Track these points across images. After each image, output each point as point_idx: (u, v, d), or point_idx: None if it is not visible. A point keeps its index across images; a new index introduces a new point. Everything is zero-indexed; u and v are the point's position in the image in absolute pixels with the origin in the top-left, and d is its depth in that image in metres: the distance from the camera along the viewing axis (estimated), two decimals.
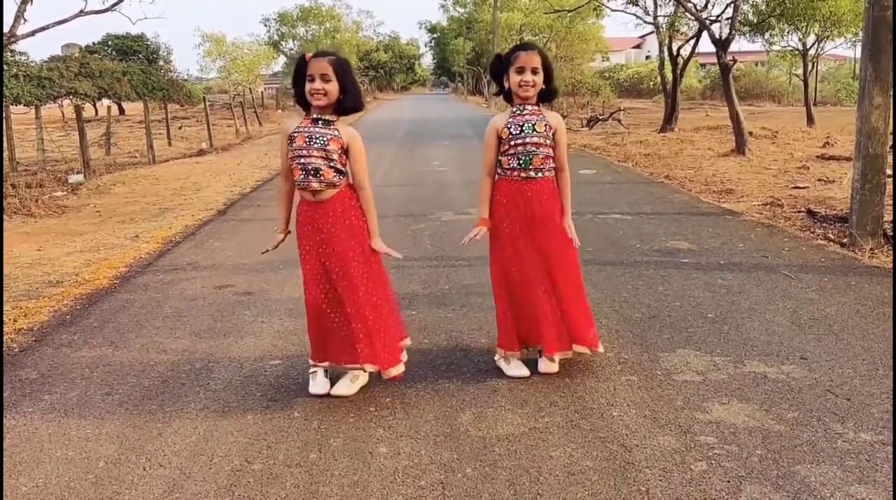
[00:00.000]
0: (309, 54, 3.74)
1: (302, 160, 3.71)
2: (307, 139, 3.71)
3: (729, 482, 3.01)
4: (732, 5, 15.95)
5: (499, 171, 4.05)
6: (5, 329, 5.10)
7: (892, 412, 3.55)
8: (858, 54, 39.67)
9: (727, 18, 17.00)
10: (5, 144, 15.55)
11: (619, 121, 23.83)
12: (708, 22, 16.99)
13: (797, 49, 23.36)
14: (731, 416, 3.56)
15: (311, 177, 3.71)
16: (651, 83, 45.91)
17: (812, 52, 23.56)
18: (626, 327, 4.86)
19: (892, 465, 3.10)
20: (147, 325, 5.16)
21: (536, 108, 3.98)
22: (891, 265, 6.21)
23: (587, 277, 6.01)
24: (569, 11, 25.05)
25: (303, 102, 3.78)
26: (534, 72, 3.86)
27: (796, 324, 4.82)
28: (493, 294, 4.18)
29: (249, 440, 3.47)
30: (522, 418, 3.61)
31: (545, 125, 3.93)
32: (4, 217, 9.72)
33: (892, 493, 2.91)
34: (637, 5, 21.27)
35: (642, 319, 5.01)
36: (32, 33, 14.44)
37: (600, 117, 24.55)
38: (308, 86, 3.66)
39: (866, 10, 7.19)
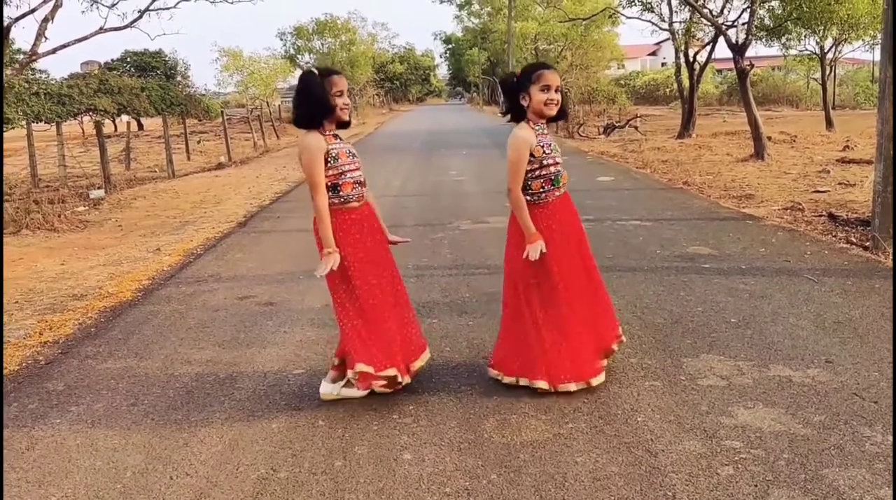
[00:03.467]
0: (316, 69, 3.83)
1: (352, 174, 3.83)
2: (348, 154, 3.85)
3: (756, 486, 2.99)
4: (749, 10, 15.89)
5: (527, 197, 3.91)
6: (31, 342, 5.16)
7: None
8: (877, 57, 39.40)
9: (743, 23, 16.95)
10: (27, 161, 15.76)
11: (636, 128, 23.76)
12: (724, 27, 16.94)
13: (815, 53, 23.22)
14: (756, 420, 3.54)
15: (362, 188, 3.88)
16: (667, 90, 45.77)
17: (830, 55, 23.42)
18: (648, 332, 4.84)
19: None
20: (171, 336, 5.20)
21: (545, 126, 4.02)
22: None
23: (608, 283, 6.00)
24: (584, 20, 25.06)
25: (316, 119, 3.79)
26: (557, 90, 3.88)
27: (820, 328, 4.79)
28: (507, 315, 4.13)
29: (275, 448, 3.49)
30: (546, 424, 3.61)
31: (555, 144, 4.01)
32: (28, 232, 9.83)
33: None
34: (652, 12, 21.25)
35: (665, 324, 4.99)
36: (53, 51, 14.67)
37: (617, 124, 24.48)
38: (339, 101, 3.76)
39: (885, 12, 7.14)
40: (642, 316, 5.17)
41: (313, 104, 3.74)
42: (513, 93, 3.92)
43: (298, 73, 4.02)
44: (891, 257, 6.57)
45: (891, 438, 3.32)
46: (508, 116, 4.01)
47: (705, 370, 4.17)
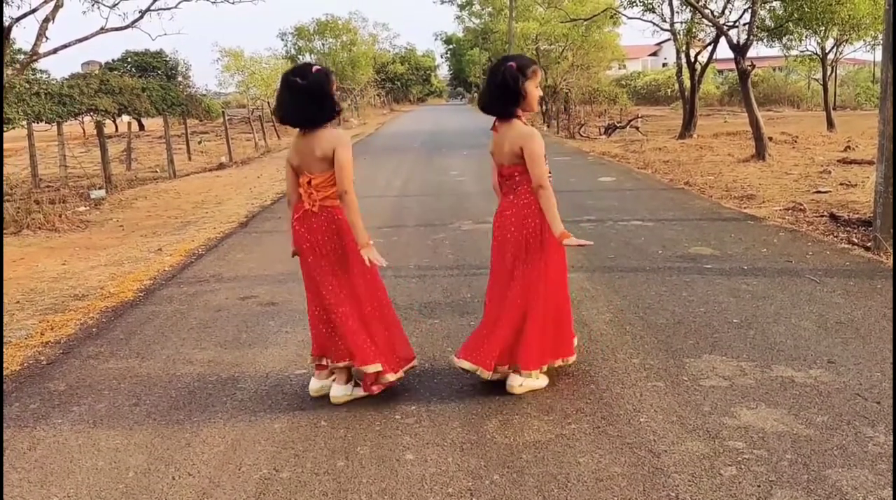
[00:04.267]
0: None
1: None
2: None
3: (759, 486, 2.98)
4: (750, 10, 15.88)
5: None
6: (33, 342, 5.16)
7: None
8: (878, 58, 39.33)
9: (745, 24, 16.96)
10: (28, 161, 15.76)
11: (637, 128, 23.75)
12: (725, 27, 16.93)
13: (815, 53, 23.20)
14: (759, 421, 3.54)
15: None
16: (668, 90, 45.74)
17: (831, 56, 23.38)
18: (650, 333, 4.83)
19: None
20: (173, 336, 5.20)
21: None
22: None
23: (610, 283, 6.04)
24: (585, 20, 25.04)
25: (333, 118, 3.82)
26: None
27: (823, 328, 4.78)
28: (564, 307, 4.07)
29: (277, 448, 3.49)
30: (549, 425, 3.61)
31: None
32: (29, 232, 9.83)
33: None
34: (653, 12, 21.24)
35: (667, 325, 4.98)
36: (54, 51, 14.66)
37: (618, 125, 24.48)
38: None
39: (886, 12, 7.13)
40: (644, 316, 5.16)
41: (334, 104, 3.78)
42: (519, 86, 3.78)
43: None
44: (892, 257, 6.56)
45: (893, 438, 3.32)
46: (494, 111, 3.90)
47: (708, 371, 4.17)
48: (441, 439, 3.51)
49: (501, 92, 3.82)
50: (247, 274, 6.96)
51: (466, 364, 3.95)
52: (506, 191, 4.01)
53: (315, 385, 4.03)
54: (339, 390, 3.95)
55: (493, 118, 3.97)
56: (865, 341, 4.52)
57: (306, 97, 3.69)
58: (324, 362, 4.00)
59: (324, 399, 4.00)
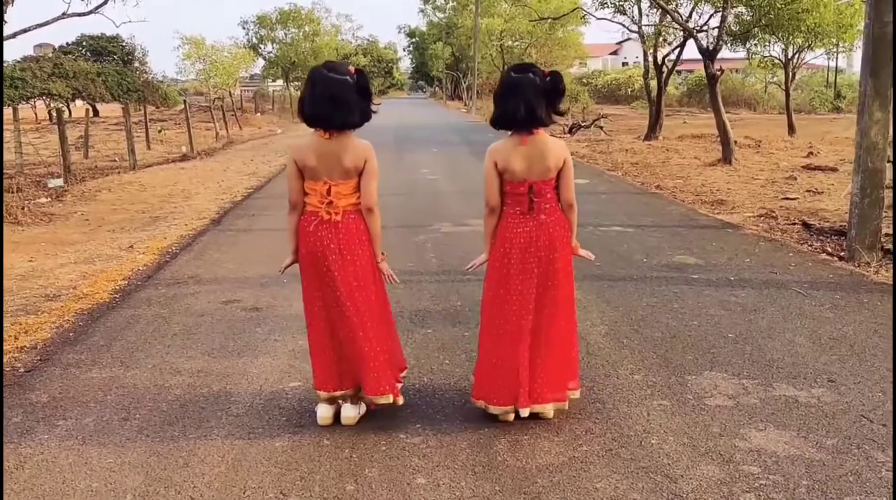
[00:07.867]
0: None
1: None
2: None
3: None
4: (720, 16, 16.04)
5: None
6: (7, 347, 4.93)
7: None
8: (832, 63, 40.24)
9: (714, 27, 17.13)
10: None
11: (601, 128, 23.88)
12: (695, 31, 17.08)
13: (778, 58, 23.55)
14: (770, 443, 3.52)
15: None
16: (629, 90, 46.18)
17: (793, 61, 23.74)
18: (648, 347, 4.80)
19: None
20: (156, 343, 5.01)
21: None
22: None
23: (600, 293, 6.00)
24: (555, 19, 25.03)
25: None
26: None
27: (817, 344, 4.80)
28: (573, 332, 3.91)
29: (281, 470, 3.36)
30: (559, 446, 3.54)
31: None
32: None
33: None
34: (625, 14, 21.29)
35: (663, 339, 4.95)
36: (14, 35, 14.13)
37: (582, 124, 24.58)
38: None
39: (866, 27, 7.23)
40: (640, 330, 5.13)
41: (371, 110, 3.62)
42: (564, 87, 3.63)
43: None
44: (873, 269, 6.65)
45: None
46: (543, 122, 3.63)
47: (711, 389, 4.14)
48: (451, 461, 3.42)
49: (549, 98, 3.59)
50: (226, 276, 6.77)
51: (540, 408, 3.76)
52: (526, 209, 3.71)
53: (327, 413, 3.79)
54: (353, 411, 3.79)
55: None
56: (861, 359, 4.54)
57: (353, 98, 3.47)
58: (339, 395, 3.77)
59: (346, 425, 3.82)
